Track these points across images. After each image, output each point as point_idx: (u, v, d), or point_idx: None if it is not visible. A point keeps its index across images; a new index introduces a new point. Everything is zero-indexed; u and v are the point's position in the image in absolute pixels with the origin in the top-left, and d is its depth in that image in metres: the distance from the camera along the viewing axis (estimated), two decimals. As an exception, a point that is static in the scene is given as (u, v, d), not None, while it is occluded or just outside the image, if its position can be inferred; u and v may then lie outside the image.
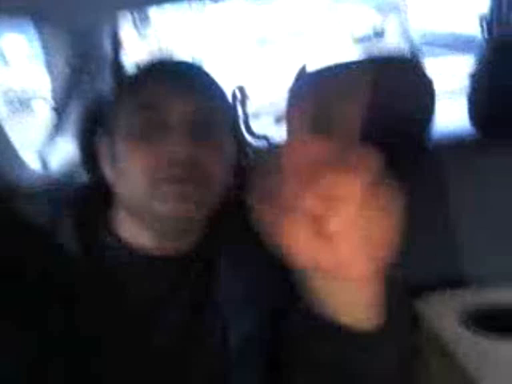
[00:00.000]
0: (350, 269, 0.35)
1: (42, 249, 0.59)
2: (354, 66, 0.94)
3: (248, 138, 1.17)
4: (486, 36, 1.51)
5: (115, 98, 0.63)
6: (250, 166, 1.08)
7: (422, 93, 1.01)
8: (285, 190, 0.36)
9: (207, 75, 0.65)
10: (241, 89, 1.16)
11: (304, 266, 0.38)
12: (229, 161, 0.64)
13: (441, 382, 0.73)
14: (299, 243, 0.35)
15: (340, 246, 0.34)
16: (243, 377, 0.60)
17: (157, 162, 0.57)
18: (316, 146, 0.36)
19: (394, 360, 0.47)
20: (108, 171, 0.63)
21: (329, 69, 0.98)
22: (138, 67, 0.65)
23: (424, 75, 1.00)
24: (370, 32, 6.58)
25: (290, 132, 0.37)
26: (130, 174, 0.58)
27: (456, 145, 1.09)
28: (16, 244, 0.59)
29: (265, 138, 1.15)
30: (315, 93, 0.36)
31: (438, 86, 1.04)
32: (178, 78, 0.61)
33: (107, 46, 1.20)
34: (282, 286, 0.59)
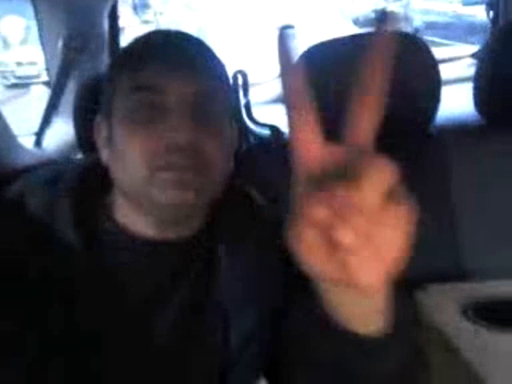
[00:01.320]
0: (357, 278, 0.33)
1: (41, 238, 0.58)
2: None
3: (250, 125, 1.16)
4: (492, 22, 1.49)
5: (111, 78, 0.60)
6: (251, 154, 1.07)
7: (427, 74, 0.99)
8: (296, 194, 0.35)
9: (210, 52, 0.61)
10: (242, 73, 1.14)
11: (314, 274, 0.37)
12: (230, 147, 0.61)
13: (441, 373, 0.73)
14: (310, 251, 0.34)
15: (351, 257, 0.33)
16: (243, 375, 0.59)
17: (155, 147, 0.54)
18: (327, 150, 0.34)
19: (399, 362, 0.46)
20: (105, 155, 0.60)
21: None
22: (134, 43, 0.60)
23: (429, 55, 0.98)
24: (372, 16, 6.54)
25: (293, 123, 0.35)
26: (127, 159, 0.56)
27: (460, 131, 1.07)
28: (14, 236, 0.57)
29: (269, 126, 1.13)
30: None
31: (442, 73, 1.02)
32: (177, 55, 0.57)
33: (105, 24, 1.18)
34: (283, 283, 0.58)
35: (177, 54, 0.57)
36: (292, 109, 0.34)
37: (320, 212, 0.32)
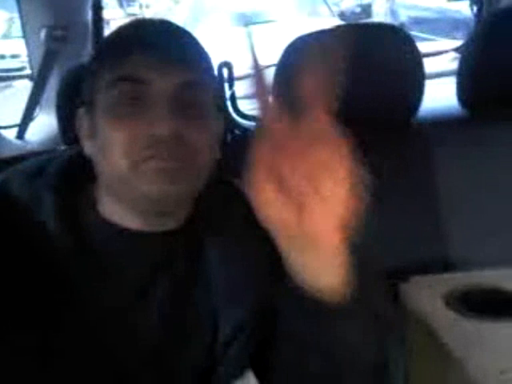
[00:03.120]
0: (311, 224, 0.40)
1: (24, 230, 0.57)
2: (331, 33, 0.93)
3: (236, 116, 1.16)
4: (476, 17, 1.51)
5: (93, 69, 0.59)
6: (237, 145, 1.07)
7: (411, 66, 1.00)
8: (264, 162, 0.40)
9: (196, 43, 0.60)
10: (227, 65, 1.14)
11: (273, 227, 0.42)
12: (216, 138, 0.61)
13: (426, 362, 0.74)
14: (267, 202, 0.40)
15: (303, 203, 0.39)
16: (231, 366, 0.59)
17: (137, 140, 0.54)
18: (290, 124, 0.40)
19: (367, 331, 0.48)
20: (87, 147, 0.59)
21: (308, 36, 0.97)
22: (117, 33, 0.59)
23: (413, 48, 0.99)
24: (357, 9, 6.56)
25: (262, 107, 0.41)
26: (110, 151, 0.55)
27: (443, 124, 1.09)
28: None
29: (254, 117, 1.13)
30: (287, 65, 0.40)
31: (426, 67, 1.03)
32: (161, 45, 0.56)
33: (89, 15, 1.16)
34: (271, 272, 0.59)
35: (161, 43, 0.56)
36: (258, 94, 0.41)
37: (265, 155, 0.39)
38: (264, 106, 0.41)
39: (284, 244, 0.44)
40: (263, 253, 0.58)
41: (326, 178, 0.39)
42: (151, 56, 0.54)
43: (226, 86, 1.14)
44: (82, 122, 0.60)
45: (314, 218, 0.39)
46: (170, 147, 0.53)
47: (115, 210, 0.59)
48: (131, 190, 0.55)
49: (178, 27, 0.60)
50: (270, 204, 0.40)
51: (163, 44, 0.56)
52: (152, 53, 0.54)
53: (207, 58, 0.60)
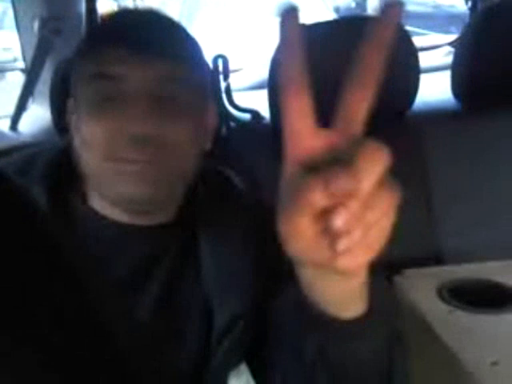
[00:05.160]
0: (346, 263, 0.34)
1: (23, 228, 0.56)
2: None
3: (231, 109, 1.15)
4: (471, 11, 1.51)
5: (76, 63, 0.57)
6: (231, 138, 1.07)
7: (406, 59, 1.00)
8: (288, 180, 0.34)
9: (182, 33, 0.57)
10: (223, 57, 1.13)
11: (299, 259, 0.37)
12: (202, 133, 0.59)
13: (417, 351, 0.74)
14: (298, 236, 0.34)
15: (341, 241, 0.33)
16: (225, 360, 0.58)
17: (113, 139, 0.52)
18: (320, 137, 0.34)
19: (377, 348, 0.46)
20: (75, 141, 0.58)
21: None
22: (98, 26, 0.58)
23: (408, 41, 0.99)
24: (352, 4, 6.54)
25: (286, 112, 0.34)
26: (88, 149, 0.54)
27: (437, 117, 1.09)
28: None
29: (249, 111, 1.13)
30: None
31: (421, 61, 1.03)
32: (141, 38, 0.53)
33: (82, 6, 1.15)
34: (265, 270, 0.58)
35: (140, 36, 0.53)
36: (288, 94, 0.33)
37: (316, 196, 0.31)
38: (293, 104, 0.33)
39: (308, 273, 0.40)
40: (256, 247, 0.58)
41: (374, 221, 0.33)
42: (128, 50, 0.52)
43: (221, 78, 1.13)
44: (71, 115, 0.59)
45: (352, 256, 0.34)
46: (145, 147, 0.51)
47: (103, 205, 0.58)
48: (109, 190, 0.54)
49: (163, 17, 0.58)
50: (301, 237, 0.34)
51: (139, 36, 0.53)
52: (129, 46, 0.52)
53: (195, 49, 0.58)
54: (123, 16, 0.59)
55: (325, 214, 0.32)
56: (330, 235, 0.33)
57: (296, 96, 0.33)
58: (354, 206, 0.31)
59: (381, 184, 0.32)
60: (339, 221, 0.31)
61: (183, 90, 0.54)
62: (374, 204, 0.32)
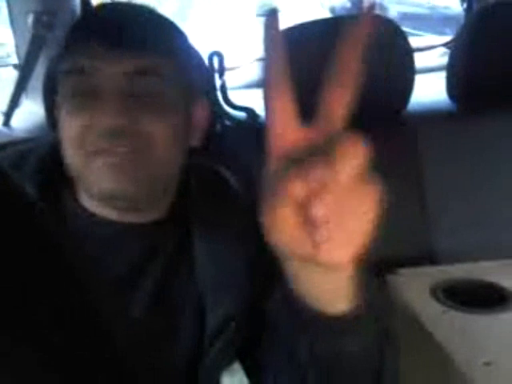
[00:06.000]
0: (328, 255, 0.34)
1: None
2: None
3: (226, 107, 1.15)
4: (466, 11, 1.51)
5: (56, 58, 0.58)
6: (226, 136, 1.06)
7: (402, 59, 1.00)
8: (270, 173, 0.35)
9: (164, 26, 0.56)
10: (218, 54, 1.13)
11: (284, 252, 0.38)
12: (183, 127, 0.57)
13: (412, 354, 0.74)
14: (282, 228, 0.35)
15: (320, 231, 0.33)
16: (218, 358, 0.58)
17: (88, 133, 0.52)
18: (302, 132, 0.35)
19: (367, 344, 0.45)
20: (60, 137, 0.57)
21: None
22: (77, 22, 0.57)
23: (404, 41, 0.99)
24: (348, 4, 6.56)
25: (269, 107, 0.35)
26: (66, 145, 0.54)
27: (432, 117, 1.09)
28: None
29: (244, 108, 1.13)
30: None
31: (416, 62, 1.03)
32: (116, 32, 0.52)
33: (76, 0, 1.14)
34: (259, 271, 0.57)
35: (115, 30, 0.52)
36: (271, 90, 0.34)
37: (296, 187, 0.32)
38: (276, 100, 0.34)
39: (292, 266, 0.40)
40: (252, 248, 0.58)
41: (353, 213, 0.34)
42: (102, 44, 0.51)
43: (217, 75, 1.13)
44: (58, 111, 0.58)
45: (332, 248, 0.34)
46: (120, 140, 0.51)
47: (92, 202, 0.57)
48: (92, 186, 0.54)
49: (143, 10, 0.57)
50: (284, 228, 0.35)
51: (116, 30, 0.52)
52: (103, 41, 0.51)
53: (177, 42, 0.57)
54: (106, 10, 0.58)
55: (306, 206, 0.33)
56: (311, 226, 0.33)
57: (278, 95, 0.34)
58: (331, 196, 0.32)
59: (361, 178, 0.33)
60: (316, 210, 0.32)
61: (159, 84, 0.54)
62: (353, 196, 0.33)
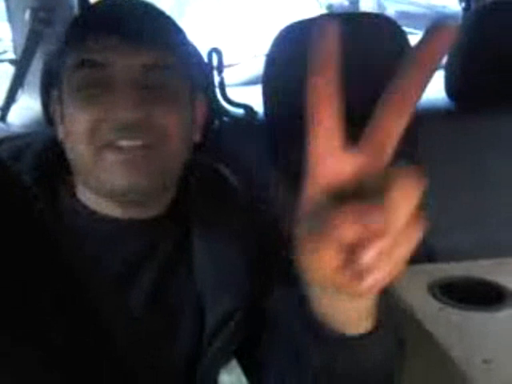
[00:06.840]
0: (370, 288, 0.32)
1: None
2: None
3: (224, 104, 1.15)
4: (464, 11, 1.52)
5: (60, 51, 0.56)
6: (224, 133, 1.06)
7: (400, 55, 1.00)
8: (309, 210, 0.32)
9: (167, 21, 0.57)
10: (217, 51, 1.13)
11: (315, 281, 0.36)
12: (191, 121, 0.58)
13: (410, 352, 0.74)
14: (321, 263, 0.32)
15: (365, 275, 0.31)
16: (216, 357, 0.58)
17: (100, 125, 0.51)
18: (346, 162, 0.31)
19: (382, 358, 0.45)
20: (60, 131, 0.57)
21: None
22: (83, 14, 0.58)
23: (404, 39, 0.99)
24: (345, 2, 6.56)
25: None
26: (74, 138, 0.53)
27: (430, 115, 1.09)
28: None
29: (243, 105, 1.13)
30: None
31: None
32: (126, 26, 0.52)
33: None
34: (260, 270, 0.57)
35: (125, 24, 0.53)
36: (317, 113, 0.30)
37: (346, 232, 0.29)
38: (320, 125, 0.30)
39: (316, 292, 0.38)
40: (251, 247, 0.58)
41: (400, 245, 0.31)
42: (113, 37, 0.51)
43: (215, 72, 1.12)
44: (56, 106, 0.58)
45: (376, 282, 0.32)
46: (133, 134, 0.51)
47: (93, 199, 0.57)
48: (97, 181, 0.53)
49: (147, 5, 0.57)
50: (324, 267, 0.32)
51: (127, 24, 0.53)
52: (114, 34, 0.51)
53: (180, 38, 0.58)
54: (110, 5, 0.58)
55: (350, 245, 0.30)
56: (355, 266, 0.31)
57: (325, 118, 0.30)
58: (385, 242, 0.29)
59: (411, 216, 0.30)
60: (368, 257, 0.30)
61: (171, 78, 0.54)
62: (402, 239, 0.30)
